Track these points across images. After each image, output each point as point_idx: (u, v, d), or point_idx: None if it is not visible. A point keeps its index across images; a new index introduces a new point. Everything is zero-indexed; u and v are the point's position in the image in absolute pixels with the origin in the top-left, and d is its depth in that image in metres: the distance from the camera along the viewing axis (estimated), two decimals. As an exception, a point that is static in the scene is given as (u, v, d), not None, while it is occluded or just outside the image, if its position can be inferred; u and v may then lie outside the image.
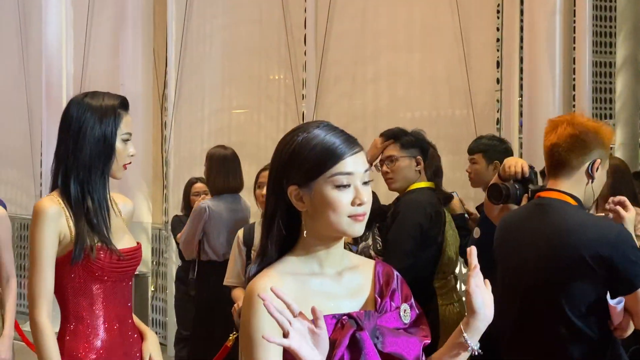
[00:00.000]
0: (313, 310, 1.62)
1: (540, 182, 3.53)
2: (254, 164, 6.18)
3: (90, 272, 2.67)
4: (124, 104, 2.75)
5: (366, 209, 1.78)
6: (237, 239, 4.52)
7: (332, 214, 1.76)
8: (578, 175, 2.77)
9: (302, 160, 1.77)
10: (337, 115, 6.26)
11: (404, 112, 6.04)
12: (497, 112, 5.47)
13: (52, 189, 2.74)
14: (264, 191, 1.90)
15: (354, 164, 1.77)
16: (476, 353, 1.80)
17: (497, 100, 5.48)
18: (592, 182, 2.78)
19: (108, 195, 2.74)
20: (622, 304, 2.64)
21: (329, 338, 1.68)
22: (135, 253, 2.80)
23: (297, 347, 1.59)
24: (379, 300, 1.86)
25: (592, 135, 2.76)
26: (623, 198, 2.91)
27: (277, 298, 1.61)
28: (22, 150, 9.07)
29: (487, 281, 1.81)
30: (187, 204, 5.96)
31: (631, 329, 2.71)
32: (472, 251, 1.80)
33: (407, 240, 3.85)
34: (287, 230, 1.82)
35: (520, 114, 5.23)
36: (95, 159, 2.69)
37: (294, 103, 6.67)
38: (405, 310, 1.88)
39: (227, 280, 4.52)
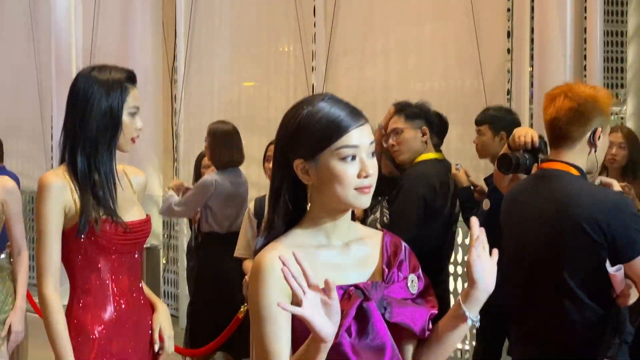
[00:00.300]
0: (326, 282, 1.62)
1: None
2: (264, 136, 6.18)
3: (97, 244, 2.68)
4: (131, 77, 2.74)
5: (372, 181, 1.79)
6: (248, 211, 4.55)
7: (338, 186, 1.77)
8: (580, 146, 2.76)
9: (307, 134, 1.77)
10: (347, 87, 6.23)
11: (414, 84, 6.00)
12: (508, 82, 5.43)
13: (61, 162, 2.75)
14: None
15: (360, 137, 1.77)
16: (477, 324, 1.80)
17: (508, 71, 5.43)
18: (595, 150, 2.77)
19: (115, 169, 2.74)
20: (622, 270, 2.63)
21: (336, 309, 1.68)
22: (144, 225, 2.80)
23: (310, 316, 1.60)
24: (387, 270, 1.87)
25: (590, 105, 2.74)
26: (601, 178, 2.92)
27: (293, 264, 1.61)
28: (32, 123, 9.07)
29: (495, 250, 1.81)
30: (198, 177, 5.97)
31: (635, 296, 2.69)
32: (474, 222, 1.79)
33: (411, 213, 3.85)
34: (293, 204, 1.83)
35: (531, 85, 5.19)
36: (102, 132, 2.68)
37: (304, 75, 6.64)
38: (412, 281, 1.89)
39: (238, 252, 4.55)
